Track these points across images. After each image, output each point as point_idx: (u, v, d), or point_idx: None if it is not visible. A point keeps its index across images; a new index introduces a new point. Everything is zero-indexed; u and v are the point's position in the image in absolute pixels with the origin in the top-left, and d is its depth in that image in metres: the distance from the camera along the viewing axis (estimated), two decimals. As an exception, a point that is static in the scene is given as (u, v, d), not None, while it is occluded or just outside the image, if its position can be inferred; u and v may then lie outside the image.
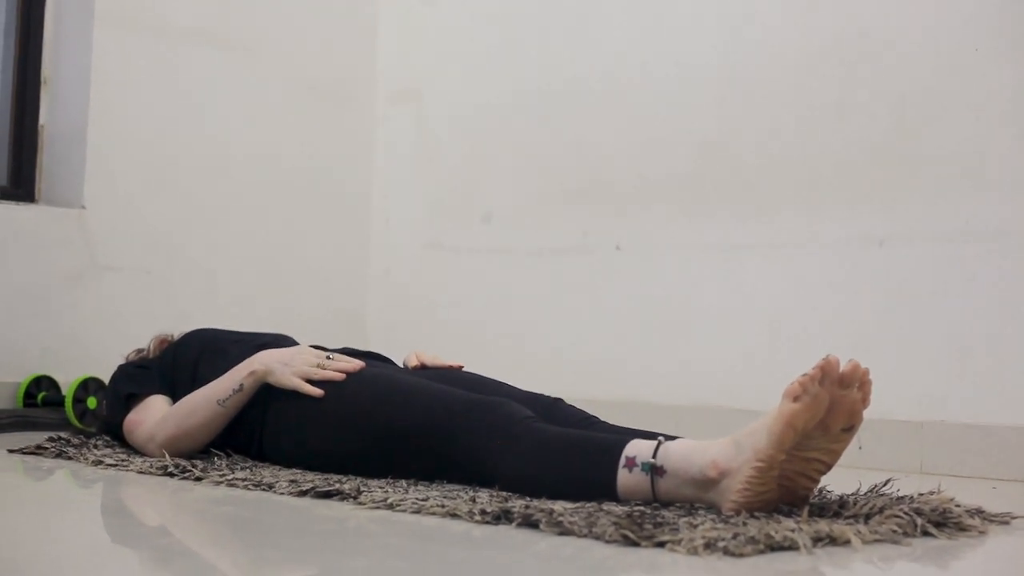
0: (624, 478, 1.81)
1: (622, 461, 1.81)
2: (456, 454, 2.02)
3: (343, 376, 2.23)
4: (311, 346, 2.38)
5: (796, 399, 1.67)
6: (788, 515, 1.71)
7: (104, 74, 3.51)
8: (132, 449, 2.49)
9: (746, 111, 3.24)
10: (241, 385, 2.30)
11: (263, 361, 2.29)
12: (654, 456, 1.78)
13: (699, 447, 1.77)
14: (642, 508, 1.74)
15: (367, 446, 2.14)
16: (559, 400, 2.26)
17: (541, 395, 2.26)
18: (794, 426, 1.68)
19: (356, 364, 2.26)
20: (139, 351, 2.75)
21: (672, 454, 1.78)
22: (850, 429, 1.74)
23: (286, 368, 2.26)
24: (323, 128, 4.03)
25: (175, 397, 2.45)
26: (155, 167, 3.62)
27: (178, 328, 2.81)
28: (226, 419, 2.33)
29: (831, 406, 1.71)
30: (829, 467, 1.77)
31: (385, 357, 2.55)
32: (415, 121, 4.04)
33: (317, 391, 2.22)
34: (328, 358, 2.28)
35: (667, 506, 1.78)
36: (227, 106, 3.80)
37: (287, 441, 2.27)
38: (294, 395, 2.24)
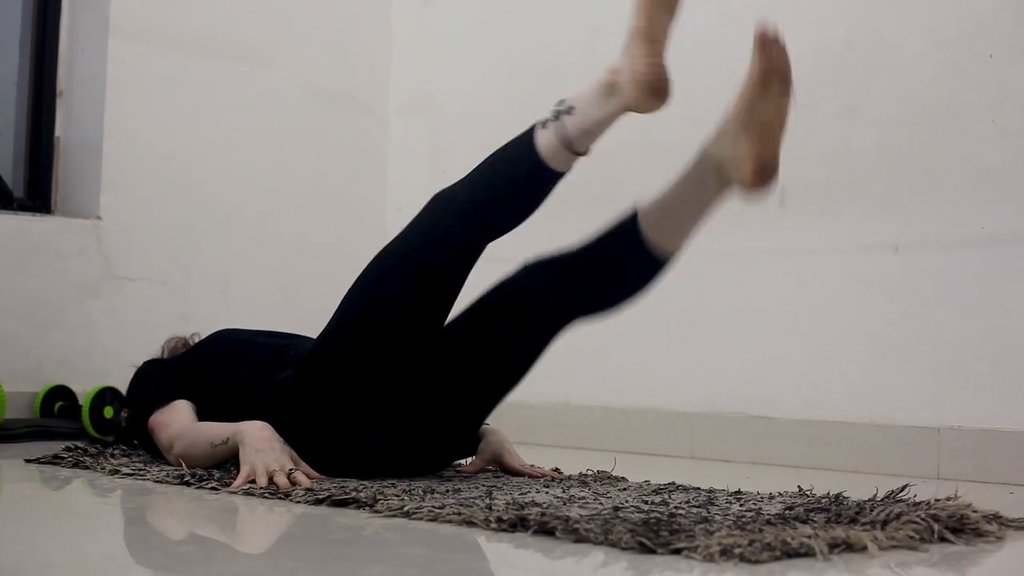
0: (541, 136, 2.04)
1: (535, 128, 2.05)
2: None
3: (292, 488, 2.09)
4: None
5: None
6: (804, 521, 1.71)
7: (119, 86, 3.53)
8: (150, 455, 2.51)
9: (759, 117, 3.23)
10: (226, 440, 2.29)
11: (249, 433, 2.23)
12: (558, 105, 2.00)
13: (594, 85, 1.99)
14: (658, 514, 1.74)
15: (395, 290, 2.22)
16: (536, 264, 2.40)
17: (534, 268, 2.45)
18: None
19: (312, 480, 2.17)
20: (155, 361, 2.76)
21: (572, 94, 2.02)
22: (785, 84, 1.96)
23: (256, 455, 2.18)
24: (337, 138, 4.05)
25: (197, 399, 2.46)
26: (170, 178, 3.64)
27: (191, 334, 2.83)
28: (217, 461, 2.32)
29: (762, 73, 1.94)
30: (783, 125, 1.98)
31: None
32: (428, 129, 4.05)
33: (251, 485, 2.11)
34: (292, 470, 2.16)
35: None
36: (241, 117, 3.82)
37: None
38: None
